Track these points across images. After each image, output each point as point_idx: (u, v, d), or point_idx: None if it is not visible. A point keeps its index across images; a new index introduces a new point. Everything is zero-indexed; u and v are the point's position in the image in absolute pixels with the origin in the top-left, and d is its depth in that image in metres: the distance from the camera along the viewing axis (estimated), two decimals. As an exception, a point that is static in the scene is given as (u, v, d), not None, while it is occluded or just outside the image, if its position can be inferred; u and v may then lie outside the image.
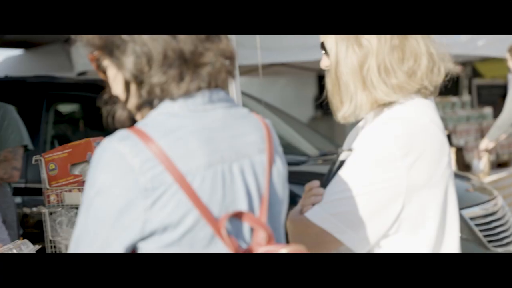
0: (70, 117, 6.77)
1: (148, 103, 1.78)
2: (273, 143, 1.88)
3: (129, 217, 1.68)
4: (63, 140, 6.03)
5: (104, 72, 1.84)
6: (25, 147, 4.87)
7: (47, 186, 3.74)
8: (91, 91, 5.62)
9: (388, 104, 2.34)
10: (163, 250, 1.71)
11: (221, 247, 1.73)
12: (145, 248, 1.72)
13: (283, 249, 1.74)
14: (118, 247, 1.70)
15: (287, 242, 1.89)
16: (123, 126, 1.79)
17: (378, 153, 2.24)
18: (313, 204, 2.30)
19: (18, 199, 5.40)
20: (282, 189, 1.89)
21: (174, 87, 1.76)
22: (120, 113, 1.82)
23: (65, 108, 6.68)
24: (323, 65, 2.41)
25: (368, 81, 2.31)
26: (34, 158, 3.84)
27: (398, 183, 2.23)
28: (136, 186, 1.68)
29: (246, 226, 1.79)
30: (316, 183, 2.34)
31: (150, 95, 1.77)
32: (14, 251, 2.68)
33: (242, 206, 1.78)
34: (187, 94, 1.77)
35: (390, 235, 2.27)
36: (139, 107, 1.80)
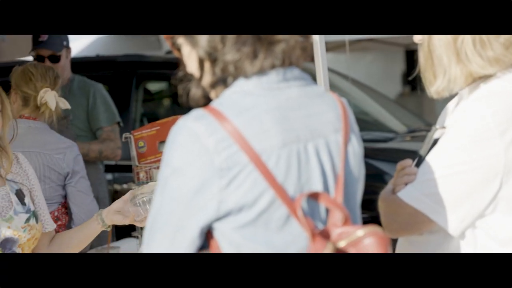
0: (158, 95, 6.86)
1: (222, 81, 1.77)
2: (348, 122, 1.84)
3: (204, 197, 1.68)
4: (151, 118, 6.12)
5: (179, 50, 1.84)
6: (118, 123, 4.95)
7: (137, 163, 3.80)
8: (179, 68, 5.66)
9: (484, 78, 2.27)
10: (238, 231, 1.70)
11: (296, 227, 1.72)
12: (220, 228, 1.71)
13: (360, 231, 1.71)
14: (193, 227, 1.70)
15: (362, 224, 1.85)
16: (197, 104, 1.79)
17: (474, 131, 2.18)
18: (406, 184, 2.25)
19: (109, 176, 5.51)
20: (358, 168, 1.86)
21: (248, 65, 1.75)
22: (195, 91, 1.81)
23: (154, 86, 6.77)
24: (416, 39, 2.34)
25: (463, 53, 2.24)
26: (124, 135, 3.91)
27: (496, 161, 2.17)
28: (211, 166, 1.67)
29: (321, 206, 1.77)
30: (408, 161, 2.29)
31: (224, 73, 1.76)
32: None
33: (317, 186, 1.76)
34: (261, 71, 1.76)
35: (486, 215, 2.22)
36: (213, 85, 1.79)
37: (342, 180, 1.79)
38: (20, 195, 2.75)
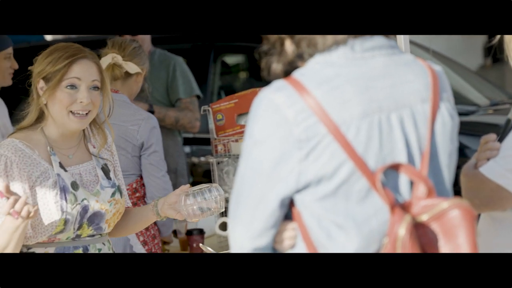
0: (235, 68, 6.86)
1: (298, 56, 1.77)
2: (438, 92, 1.79)
3: (285, 168, 1.68)
4: (229, 90, 6.13)
5: None
6: (197, 96, 4.97)
7: (215, 136, 3.81)
8: (257, 41, 5.65)
9: None
10: (319, 202, 1.69)
11: (378, 200, 1.70)
12: (301, 200, 1.71)
13: (444, 203, 1.68)
14: (274, 198, 1.70)
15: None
16: (277, 78, 1.79)
17: None
18: (488, 159, 2.19)
19: (187, 149, 5.55)
20: (449, 141, 1.80)
21: (320, 40, 1.74)
22: (276, 66, 1.81)
23: (231, 59, 6.78)
24: None
25: None
26: (202, 108, 3.92)
27: None
28: (290, 137, 1.67)
29: (405, 179, 1.73)
30: (492, 136, 2.23)
31: (299, 49, 1.76)
32: (207, 192, 2.74)
33: (401, 158, 1.72)
34: (336, 44, 1.74)
35: None
36: (293, 61, 1.78)
37: (428, 152, 1.75)
38: (105, 169, 2.79)
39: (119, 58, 3.77)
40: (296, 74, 1.73)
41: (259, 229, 1.72)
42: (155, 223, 3.78)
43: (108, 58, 3.77)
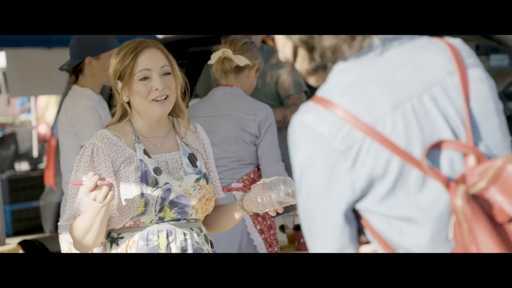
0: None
1: (321, 67, 1.76)
2: (462, 60, 1.75)
3: (337, 183, 1.68)
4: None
5: (272, 39, 1.85)
6: (305, 92, 4.96)
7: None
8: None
9: None
10: (380, 203, 1.68)
11: (437, 183, 1.67)
12: (364, 207, 1.70)
13: (497, 161, 1.64)
14: (338, 215, 1.69)
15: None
16: (286, 91, 1.78)
17: None
18: None
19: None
20: (490, 102, 1.75)
21: (346, 48, 1.73)
22: (285, 78, 1.82)
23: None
24: None
25: None
26: (298, 95, 3.92)
27: None
28: (332, 151, 1.67)
29: (454, 154, 1.70)
30: None
31: (323, 59, 1.75)
32: (280, 185, 2.76)
33: (445, 135, 1.69)
34: (360, 51, 1.73)
35: None
36: (312, 72, 1.78)
37: (468, 121, 1.71)
38: (192, 158, 2.89)
39: (229, 52, 3.87)
40: (319, 92, 1.74)
41: (338, 249, 1.72)
42: None
43: (219, 52, 3.89)
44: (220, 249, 3.59)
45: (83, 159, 2.78)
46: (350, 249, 1.72)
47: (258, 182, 2.82)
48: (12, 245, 4.52)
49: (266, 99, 4.70)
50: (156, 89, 2.78)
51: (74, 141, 4.14)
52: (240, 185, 3.86)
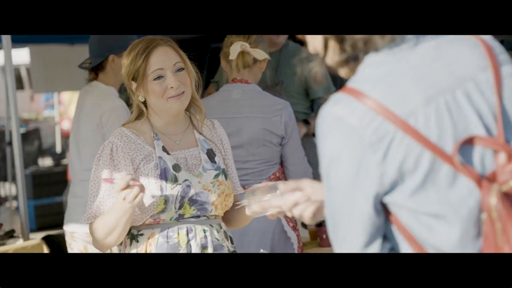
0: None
1: (353, 58, 1.73)
2: (495, 56, 1.73)
3: (366, 175, 1.65)
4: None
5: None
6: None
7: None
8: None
9: None
10: (411, 199, 1.66)
11: (467, 180, 1.65)
12: (392, 201, 1.67)
13: None
14: (365, 208, 1.67)
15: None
16: (319, 83, 1.75)
17: None
18: None
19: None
20: None
21: (378, 39, 1.71)
22: (317, 70, 1.79)
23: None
24: None
25: None
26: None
27: None
28: (362, 143, 1.64)
29: (485, 150, 1.67)
30: None
31: (354, 50, 1.72)
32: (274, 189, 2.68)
33: (478, 131, 1.67)
34: (393, 42, 1.71)
35: None
36: (343, 63, 1.76)
37: (500, 118, 1.69)
38: (210, 154, 2.89)
39: (247, 46, 3.79)
40: (350, 83, 1.71)
41: (364, 243, 1.70)
42: None
43: (237, 47, 3.78)
44: (253, 246, 3.61)
45: (102, 158, 2.78)
46: (376, 244, 1.70)
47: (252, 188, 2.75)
48: (36, 240, 4.54)
49: (289, 97, 4.61)
50: (172, 87, 2.77)
51: (101, 140, 4.02)
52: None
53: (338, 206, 1.70)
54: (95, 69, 4.19)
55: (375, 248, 1.71)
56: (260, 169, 3.82)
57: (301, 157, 3.88)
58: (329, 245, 3.83)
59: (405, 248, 1.71)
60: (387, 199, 1.68)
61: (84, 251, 4.05)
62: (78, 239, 4.08)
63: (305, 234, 4.12)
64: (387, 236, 1.73)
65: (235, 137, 3.73)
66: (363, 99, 1.66)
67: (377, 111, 1.64)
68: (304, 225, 4.10)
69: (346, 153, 1.66)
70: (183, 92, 2.80)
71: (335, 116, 1.67)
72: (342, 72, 1.79)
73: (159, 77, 2.77)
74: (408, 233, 1.69)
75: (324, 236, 3.85)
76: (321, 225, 3.89)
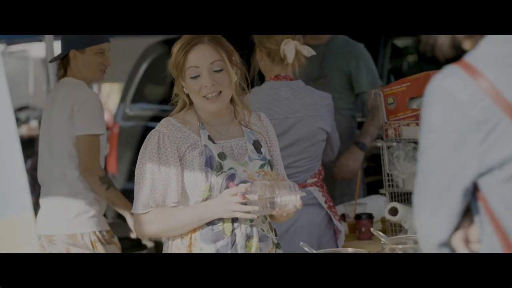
0: (405, 50, 6.76)
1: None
2: None
3: (465, 152, 1.64)
4: (398, 74, 6.04)
5: None
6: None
7: (385, 120, 3.76)
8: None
9: None
10: (504, 184, 1.64)
11: None
12: (486, 183, 1.66)
13: None
14: (458, 184, 1.66)
15: None
16: (444, 55, 1.74)
17: None
18: None
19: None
20: None
21: None
22: (443, 41, 1.76)
23: (401, 42, 6.68)
24: None
25: None
26: (373, 92, 3.88)
27: None
28: (467, 120, 1.63)
29: None
30: None
31: None
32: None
33: None
34: None
35: None
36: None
37: None
38: (257, 145, 2.90)
39: (297, 43, 3.70)
40: (467, 57, 1.69)
41: (444, 217, 1.69)
42: None
43: (292, 46, 3.68)
44: (304, 235, 3.64)
45: (148, 146, 2.82)
46: (454, 221, 1.69)
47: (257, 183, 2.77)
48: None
49: (333, 92, 4.47)
50: (206, 86, 2.79)
51: (70, 132, 3.92)
52: (314, 180, 3.84)
53: (431, 175, 1.69)
54: (64, 65, 4.03)
55: (449, 226, 1.69)
56: (310, 165, 3.83)
57: (337, 149, 3.93)
58: (367, 238, 3.81)
59: (487, 231, 1.69)
60: (481, 180, 1.67)
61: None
62: (58, 242, 3.90)
63: (343, 227, 4.10)
64: (473, 216, 1.71)
65: (288, 136, 3.74)
66: (477, 77, 1.64)
67: (488, 92, 1.63)
68: (343, 218, 4.09)
69: (450, 126, 1.65)
70: (220, 92, 2.81)
71: (445, 88, 1.66)
72: (467, 45, 1.76)
73: (195, 76, 2.80)
74: (495, 219, 1.68)
75: (363, 229, 3.83)
76: (360, 218, 3.87)
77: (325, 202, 3.79)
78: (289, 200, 2.68)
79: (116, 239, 4.02)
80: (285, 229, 3.64)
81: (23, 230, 1.74)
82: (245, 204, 2.68)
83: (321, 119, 3.80)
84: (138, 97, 7.10)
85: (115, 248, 3.97)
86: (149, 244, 5.99)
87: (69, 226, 3.89)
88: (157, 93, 7.12)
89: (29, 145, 7.85)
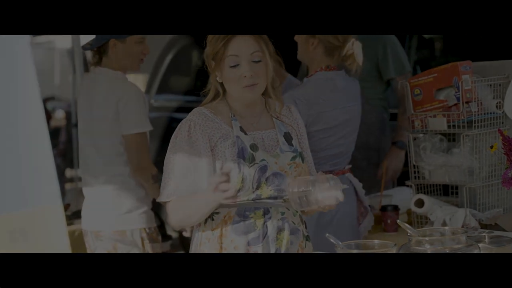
0: (431, 41, 6.71)
1: None
2: None
3: None
4: (424, 65, 6.00)
5: None
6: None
7: (412, 111, 3.74)
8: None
9: None
10: None
11: None
12: None
13: None
14: None
15: None
16: None
17: None
18: None
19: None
20: None
21: None
22: None
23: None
24: None
25: None
26: (400, 83, 3.86)
27: None
28: None
29: None
30: None
31: None
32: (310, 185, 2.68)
33: None
34: None
35: None
36: None
37: None
38: (288, 137, 2.91)
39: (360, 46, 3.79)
40: None
41: None
42: None
43: (359, 46, 3.75)
44: (345, 228, 3.68)
45: (179, 135, 2.82)
46: None
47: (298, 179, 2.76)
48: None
49: (362, 81, 4.45)
50: (245, 76, 2.79)
51: (116, 129, 3.87)
52: (350, 165, 3.88)
53: None
54: (100, 53, 3.95)
55: None
56: (348, 152, 3.88)
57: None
58: (393, 230, 3.80)
59: None
60: None
61: (113, 251, 3.87)
62: (105, 238, 3.90)
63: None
64: None
65: (346, 126, 3.79)
66: None
67: None
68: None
69: None
70: (256, 84, 2.81)
71: None
72: None
73: (234, 64, 2.79)
74: None
75: (389, 221, 3.81)
76: (385, 209, 3.86)
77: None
78: (331, 195, 2.66)
79: (160, 238, 3.99)
80: (329, 218, 3.67)
81: (52, 220, 1.75)
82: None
83: (360, 107, 3.90)
84: (163, 88, 7.11)
85: (159, 247, 3.95)
86: (174, 234, 6.00)
87: (118, 222, 3.87)
88: (182, 84, 7.13)
89: (54, 136, 7.90)
